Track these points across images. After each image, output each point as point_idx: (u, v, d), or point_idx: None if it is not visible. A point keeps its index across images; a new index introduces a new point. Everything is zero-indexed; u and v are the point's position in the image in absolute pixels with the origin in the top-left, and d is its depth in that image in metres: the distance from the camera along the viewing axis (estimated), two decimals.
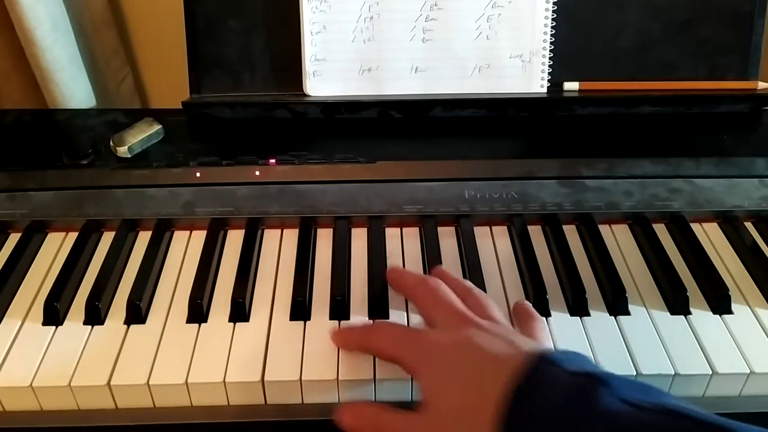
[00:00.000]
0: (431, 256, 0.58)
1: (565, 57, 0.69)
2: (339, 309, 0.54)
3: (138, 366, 0.50)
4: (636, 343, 0.51)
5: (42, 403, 0.50)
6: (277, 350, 0.51)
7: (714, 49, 0.70)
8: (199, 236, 0.61)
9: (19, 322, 0.54)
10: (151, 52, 0.89)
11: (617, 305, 0.54)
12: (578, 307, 0.54)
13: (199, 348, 0.51)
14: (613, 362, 0.50)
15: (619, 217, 0.63)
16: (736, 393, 0.51)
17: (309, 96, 0.70)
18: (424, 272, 0.58)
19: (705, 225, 0.63)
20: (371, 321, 0.53)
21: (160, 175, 0.63)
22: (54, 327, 0.54)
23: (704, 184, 0.63)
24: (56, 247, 0.61)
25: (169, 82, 0.79)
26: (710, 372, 0.49)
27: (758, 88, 0.70)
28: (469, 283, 0.52)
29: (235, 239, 0.61)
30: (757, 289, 0.56)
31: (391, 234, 0.62)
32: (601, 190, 0.62)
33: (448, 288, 0.50)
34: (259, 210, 0.62)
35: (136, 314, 0.54)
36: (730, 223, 0.62)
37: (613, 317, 0.54)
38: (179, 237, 0.62)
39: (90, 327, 0.53)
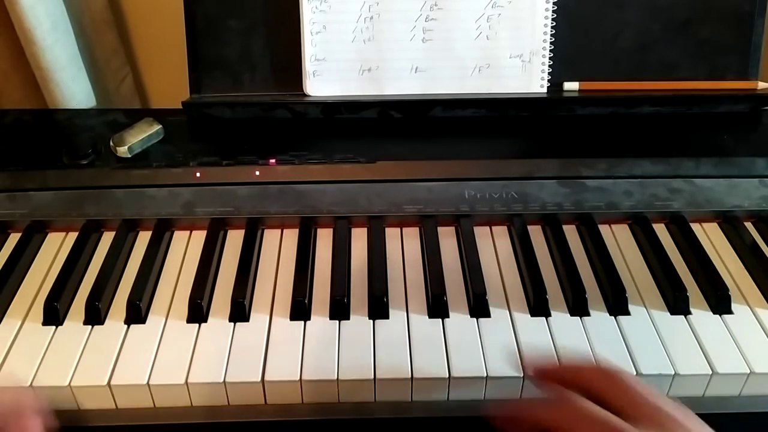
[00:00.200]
0: (431, 256, 0.58)
1: (565, 57, 0.69)
2: (339, 309, 0.54)
3: (138, 366, 0.50)
4: (636, 343, 0.51)
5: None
6: (277, 350, 0.51)
7: (714, 49, 0.70)
8: (199, 236, 0.61)
9: (19, 322, 0.54)
10: (151, 52, 0.89)
11: (617, 305, 0.54)
12: (578, 307, 0.54)
13: (199, 348, 0.52)
14: (613, 362, 0.50)
15: (619, 217, 0.63)
16: (736, 393, 0.51)
17: (309, 96, 0.70)
18: (424, 272, 0.58)
19: (705, 225, 0.63)
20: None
21: (160, 175, 0.63)
22: (54, 327, 0.54)
23: (704, 184, 0.63)
24: (56, 247, 0.61)
25: (169, 82, 0.79)
26: (710, 372, 0.49)
27: (758, 88, 0.70)
28: (608, 369, 0.43)
29: (235, 239, 0.61)
30: (757, 289, 0.56)
31: (391, 234, 0.62)
32: (601, 190, 0.62)
33: (588, 404, 0.40)
34: (259, 210, 0.62)
35: (136, 314, 0.54)
36: (730, 223, 0.62)
37: (613, 317, 0.54)
38: (179, 237, 0.62)
39: (90, 327, 0.53)
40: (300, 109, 0.70)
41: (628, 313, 0.54)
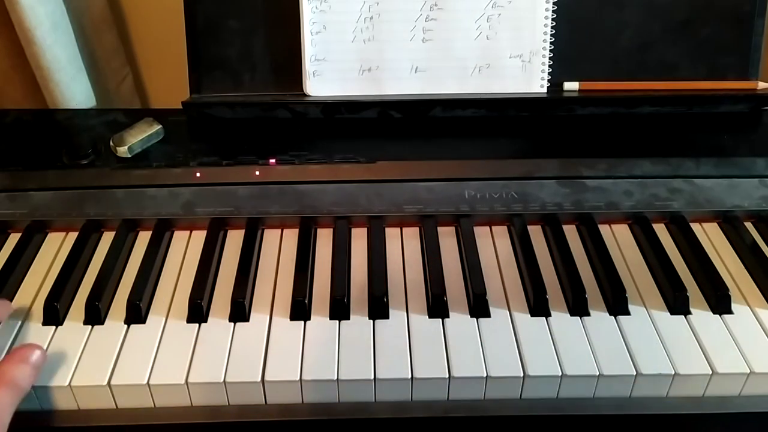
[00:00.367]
0: (431, 256, 0.58)
1: (565, 57, 0.69)
2: (339, 309, 0.54)
3: (138, 366, 0.50)
4: (636, 343, 0.51)
5: (42, 402, 0.50)
6: (277, 350, 0.51)
7: (714, 49, 0.70)
8: (199, 236, 0.61)
9: (19, 322, 0.54)
10: (151, 52, 0.89)
11: (617, 305, 0.54)
12: (578, 307, 0.54)
13: (199, 348, 0.52)
14: (613, 362, 0.50)
15: (619, 217, 0.63)
16: (736, 393, 0.51)
17: (309, 96, 0.70)
18: (424, 272, 0.58)
19: (705, 225, 0.63)
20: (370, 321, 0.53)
21: (160, 175, 0.63)
22: (54, 327, 0.54)
23: (704, 184, 0.63)
24: (56, 247, 0.61)
25: (169, 82, 0.79)
26: (710, 372, 0.49)
27: (758, 88, 0.70)
28: None
29: (235, 239, 0.61)
30: (757, 289, 0.56)
31: (391, 234, 0.62)
32: (601, 190, 0.62)
33: None
34: (259, 210, 0.62)
35: (136, 314, 0.54)
36: (730, 223, 0.62)
37: (613, 317, 0.54)
38: (179, 237, 0.62)
39: (90, 327, 0.53)
40: (300, 109, 0.70)
41: (628, 313, 0.54)
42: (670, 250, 0.59)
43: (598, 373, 0.49)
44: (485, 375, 0.49)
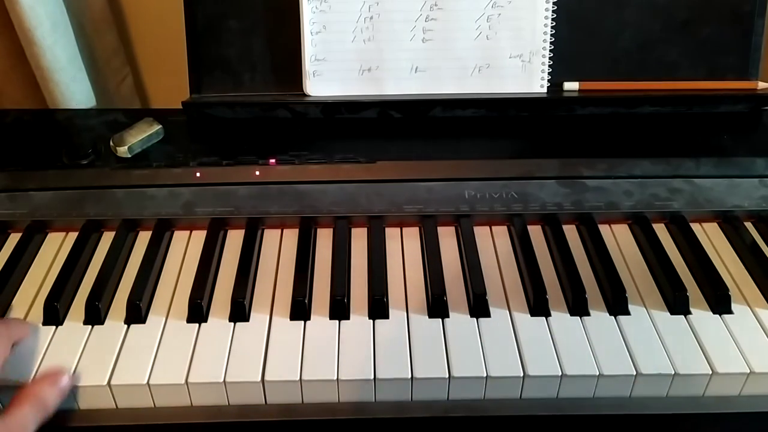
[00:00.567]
0: (431, 256, 0.58)
1: (565, 57, 0.69)
2: (339, 309, 0.54)
3: (138, 366, 0.50)
4: (636, 343, 0.51)
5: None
6: (277, 350, 0.51)
7: (714, 49, 0.70)
8: (199, 236, 0.61)
9: None
10: (151, 52, 0.89)
11: (617, 305, 0.54)
12: (578, 307, 0.54)
13: (199, 348, 0.52)
14: (613, 362, 0.50)
15: (619, 217, 0.63)
16: (736, 393, 0.51)
17: (309, 96, 0.70)
18: (424, 272, 0.58)
19: (705, 225, 0.63)
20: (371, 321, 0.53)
21: (160, 175, 0.63)
22: (54, 327, 0.54)
23: (704, 184, 0.63)
24: (56, 247, 0.61)
25: (169, 82, 0.79)
26: (710, 372, 0.49)
27: (758, 88, 0.70)
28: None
29: (235, 239, 0.61)
30: (757, 289, 0.56)
31: (391, 234, 0.62)
32: (601, 190, 0.62)
33: None
34: (259, 210, 0.62)
35: (136, 314, 0.54)
36: (730, 223, 0.62)
37: (613, 317, 0.54)
38: (179, 237, 0.62)
39: (90, 327, 0.53)
40: (300, 109, 0.70)
41: (628, 313, 0.54)
42: (670, 250, 0.59)
43: (598, 373, 0.49)
44: (485, 375, 0.49)
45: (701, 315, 0.54)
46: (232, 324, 0.53)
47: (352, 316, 0.54)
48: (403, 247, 0.60)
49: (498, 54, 0.69)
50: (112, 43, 0.84)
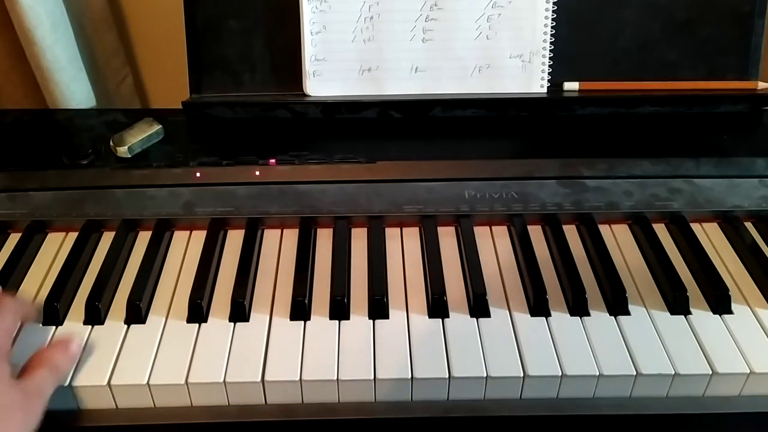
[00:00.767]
0: (431, 256, 0.58)
1: (565, 57, 0.69)
2: (339, 309, 0.54)
3: (138, 366, 0.50)
4: (636, 343, 0.51)
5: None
6: (277, 350, 0.51)
7: (714, 49, 0.70)
8: (199, 236, 0.61)
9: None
10: (151, 52, 0.89)
11: (617, 305, 0.54)
12: (578, 307, 0.54)
13: (199, 348, 0.52)
14: (613, 362, 0.50)
15: (619, 217, 0.63)
16: (736, 393, 0.51)
17: (309, 96, 0.70)
18: (424, 272, 0.58)
19: (705, 225, 0.63)
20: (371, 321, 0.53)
21: (160, 175, 0.63)
22: (54, 327, 0.54)
23: (704, 184, 0.63)
24: (56, 247, 0.61)
25: (169, 82, 0.79)
26: (710, 372, 0.49)
27: (758, 88, 0.70)
28: None
29: (235, 239, 0.61)
30: (757, 289, 0.56)
31: (391, 234, 0.62)
32: (601, 190, 0.62)
33: None
34: (259, 210, 0.62)
35: (136, 314, 0.54)
36: (730, 223, 0.62)
37: (613, 317, 0.54)
38: (179, 237, 0.62)
39: (90, 327, 0.53)
40: (300, 109, 0.70)
41: (628, 313, 0.54)
42: (670, 250, 0.59)
43: (598, 373, 0.49)
44: (485, 375, 0.49)
45: (701, 315, 0.54)
46: (232, 324, 0.53)
47: (352, 316, 0.54)
48: (403, 247, 0.60)
49: (498, 54, 0.69)
50: (112, 43, 0.84)
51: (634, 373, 0.49)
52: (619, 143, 0.67)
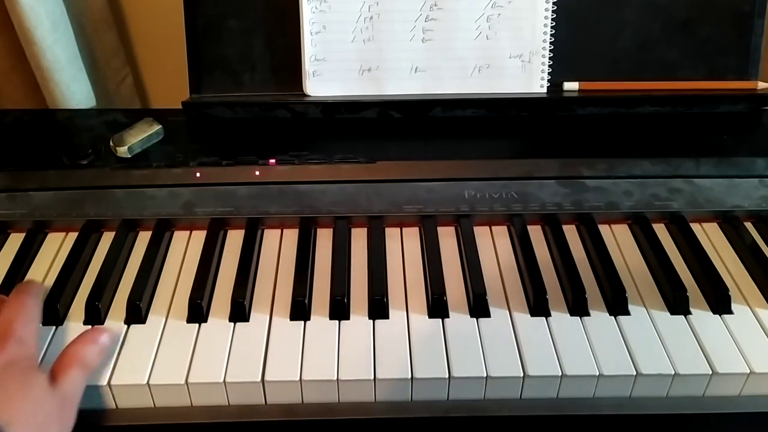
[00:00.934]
0: (431, 256, 0.58)
1: (565, 57, 0.69)
2: (339, 309, 0.54)
3: (138, 366, 0.50)
4: (636, 343, 0.51)
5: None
6: (277, 350, 0.51)
7: (714, 49, 0.70)
8: (199, 236, 0.61)
9: None
10: (151, 52, 0.89)
11: (617, 305, 0.54)
12: (578, 307, 0.54)
13: (199, 348, 0.52)
14: (613, 362, 0.50)
15: (619, 217, 0.63)
16: (736, 393, 0.51)
17: (309, 96, 0.70)
18: (424, 272, 0.58)
19: (705, 225, 0.63)
20: (371, 321, 0.53)
21: (160, 175, 0.63)
22: (54, 327, 0.54)
23: (704, 184, 0.63)
24: (56, 247, 0.61)
25: (169, 82, 0.79)
26: (710, 372, 0.49)
27: (758, 88, 0.70)
28: None
29: (235, 239, 0.61)
30: (757, 289, 0.56)
31: (391, 234, 0.62)
32: (601, 190, 0.62)
33: None
34: (259, 210, 0.62)
35: (136, 314, 0.54)
36: (730, 223, 0.62)
37: (613, 317, 0.54)
38: (179, 237, 0.62)
39: (90, 327, 0.53)
40: (300, 109, 0.70)
41: (628, 313, 0.54)
42: (670, 250, 0.59)
43: (598, 373, 0.49)
44: (485, 375, 0.49)
45: (701, 315, 0.54)
46: (232, 324, 0.53)
47: (352, 316, 0.54)
48: (403, 247, 0.60)
49: (498, 54, 0.69)
50: (112, 43, 0.84)
51: (634, 373, 0.49)
52: (619, 143, 0.67)
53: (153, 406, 0.50)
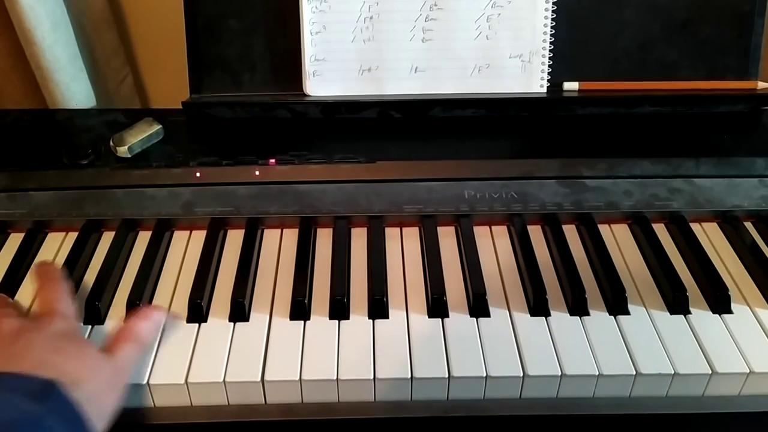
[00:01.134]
0: (431, 256, 0.58)
1: (565, 57, 0.69)
2: (339, 309, 0.54)
3: (137, 366, 0.50)
4: (636, 343, 0.51)
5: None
6: (277, 350, 0.51)
7: (714, 49, 0.70)
8: (199, 236, 0.61)
9: None
10: (151, 52, 0.89)
11: (617, 305, 0.54)
12: (578, 307, 0.54)
13: (199, 348, 0.52)
14: (613, 362, 0.50)
15: (619, 217, 0.63)
16: (735, 393, 0.51)
17: (309, 96, 0.70)
18: (424, 272, 0.58)
19: (705, 225, 0.63)
20: (371, 320, 0.53)
21: (160, 175, 0.63)
22: None
23: (704, 184, 0.63)
24: (56, 247, 0.61)
25: (169, 82, 0.79)
26: (710, 372, 0.49)
27: (758, 88, 0.70)
28: None
29: (235, 239, 0.61)
30: (757, 289, 0.57)
31: (391, 234, 0.62)
32: (601, 190, 0.62)
33: None
34: (259, 210, 0.62)
35: None
36: (730, 223, 0.62)
37: (612, 317, 0.54)
38: (179, 237, 0.62)
39: (90, 327, 0.54)
40: (300, 109, 0.70)
41: (627, 313, 0.54)
42: (669, 250, 0.59)
43: (597, 373, 0.49)
44: (485, 375, 0.49)
45: (701, 315, 0.54)
46: (232, 324, 0.53)
47: (351, 316, 0.54)
48: (403, 247, 0.60)
49: (498, 54, 0.69)
50: (112, 43, 0.84)
51: (634, 373, 0.49)
52: (619, 143, 0.67)
53: (153, 405, 0.50)
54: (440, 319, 0.53)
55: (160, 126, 0.67)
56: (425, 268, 0.58)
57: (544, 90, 0.70)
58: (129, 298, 0.54)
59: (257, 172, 0.63)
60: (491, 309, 0.54)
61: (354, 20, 0.68)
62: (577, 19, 0.69)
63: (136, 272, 0.57)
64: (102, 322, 0.54)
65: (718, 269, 0.57)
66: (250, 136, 0.68)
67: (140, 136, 0.66)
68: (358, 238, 0.61)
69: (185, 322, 0.54)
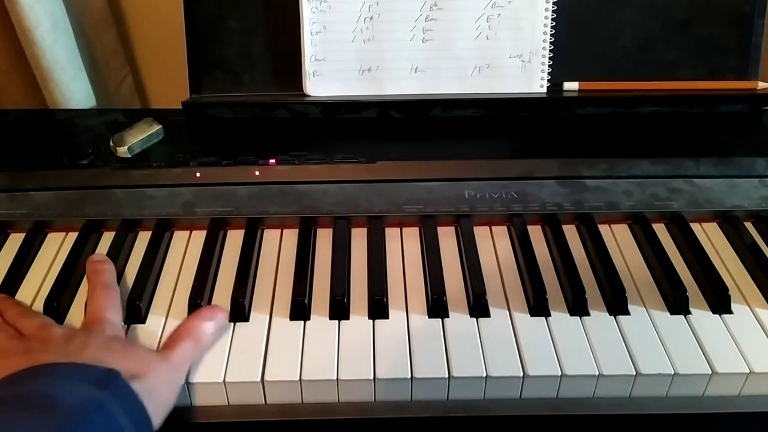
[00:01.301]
0: (431, 256, 0.58)
1: (565, 57, 0.69)
2: (339, 309, 0.54)
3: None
4: (636, 343, 0.51)
5: None
6: (277, 350, 0.51)
7: (714, 49, 0.70)
8: (199, 236, 0.61)
9: None
10: (151, 52, 0.89)
11: (617, 305, 0.54)
12: (578, 307, 0.54)
13: None
14: (613, 362, 0.50)
15: (619, 217, 0.63)
16: (735, 393, 0.51)
17: (309, 96, 0.70)
18: (424, 272, 0.58)
19: (705, 225, 0.63)
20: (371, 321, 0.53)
21: (160, 175, 0.63)
22: None
23: (704, 184, 0.63)
24: (56, 247, 0.61)
25: (169, 82, 0.79)
26: (710, 372, 0.49)
27: (758, 88, 0.70)
28: None
29: (235, 239, 0.61)
30: (757, 289, 0.57)
31: (391, 234, 0.62)
32: (601, 190, 0.62)
33: None
34: (259, 210, 0.62)
35: (136, 314, 0.54)
36: (729, 223, 0.62)
37: (612, 317, 0.54)
38: (179, 237, 0.62)
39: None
40: (300, 109, 0.70)
41: (627, 313, 0.54)
42: (669, 250, 0.59)
43: (597, 373, 0.49)
44: (485, 375, 0.49)
45: (701, 315, 0.54)
46: (232, 324, 0.53)
47: (352, 316, 0.54)
48: (403, 247, 0.60)
49: (498, 54, 0.69)
50: (112, 43, 0.84)
51: (634, 373, 0.49)
52: (619, 143, 0.67)
53: None
54: (440, 320, 0.53)
55: (160, 126, 0.67)
56: (425, 268, 0.58)
57: (544, 90, 0.70)
58: (129, 298, 0.54)
59: (257, 172, 0.63)
60: (491, 309, 0.54)
61: (354, 20, 0.68)
62: (577, 19, 0.69)
63: (136, 272, 0.57)
64: None
65: (718, 269, 0.57)
66: (250, 136, 0.68)
67: (140, 136, 0.66)
68: (358, 238, 0.61)
69: None
